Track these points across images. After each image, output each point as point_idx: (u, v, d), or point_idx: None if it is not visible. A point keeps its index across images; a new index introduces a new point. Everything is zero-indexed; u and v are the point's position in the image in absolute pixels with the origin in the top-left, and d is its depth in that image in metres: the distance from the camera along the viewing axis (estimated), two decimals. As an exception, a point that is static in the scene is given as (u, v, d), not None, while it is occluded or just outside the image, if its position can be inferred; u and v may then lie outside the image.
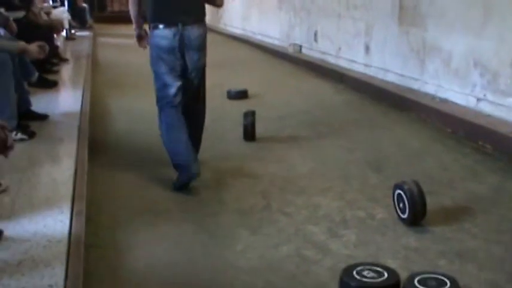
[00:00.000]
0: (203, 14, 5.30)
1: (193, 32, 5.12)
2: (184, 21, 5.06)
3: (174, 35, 5.06)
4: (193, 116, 5.46)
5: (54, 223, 3.93)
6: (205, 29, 5.30)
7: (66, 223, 3.94)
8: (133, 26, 5.44)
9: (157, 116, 5.35)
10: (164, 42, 5.09)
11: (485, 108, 6.73)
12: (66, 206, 4.24)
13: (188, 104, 5.35)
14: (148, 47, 5.35)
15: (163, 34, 5.08)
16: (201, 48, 5.26)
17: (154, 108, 5.43)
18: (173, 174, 5.29)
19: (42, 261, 3.42)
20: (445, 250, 3.92)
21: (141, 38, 5.47)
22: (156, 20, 5.11)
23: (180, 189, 5.11)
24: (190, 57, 5.19)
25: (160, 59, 5.15)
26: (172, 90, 5.19)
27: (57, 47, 11.87)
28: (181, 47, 5.10)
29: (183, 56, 5.15)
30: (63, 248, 3.60)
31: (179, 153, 5.17)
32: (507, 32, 6.38)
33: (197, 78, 5.37)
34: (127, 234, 4.30)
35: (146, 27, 5.42)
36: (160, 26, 5.09)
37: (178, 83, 5.20)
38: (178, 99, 5.22)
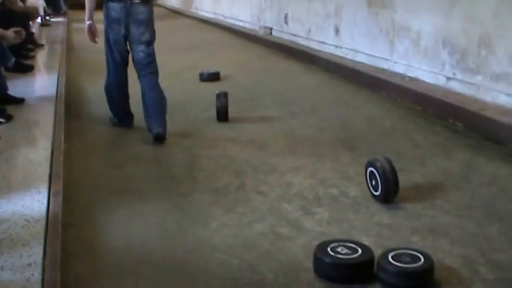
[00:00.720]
0: None
1: (138, 8, 5.81)
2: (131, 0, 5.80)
3: (122, 8, 5.78)
4: (154, 87, 6.01)
5: (32, 203, 3.96)
6: (150, 7, 5.95)
7: (43, 203, 3.96)
8: (86, 16, 5.99)
9: (106, 73, 6.19)
10: (113, 13, 5.83)
11: (455, 86, 6.70)
12: (43, 186, 4.26)
13: (147, 78, 6.00)
14: (98, 41, 6.09)
15: (113, 7, 5.82)
16: (145, 22, 5.90)
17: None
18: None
19: (20, 241, 3.44)
20: (418, 226, 3.90)
21: (92, 32, 6.02)
22: None
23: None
24: (136, 30, 5.86)
25: (109, 28, 5.90)
26: (118, 55, 5.99)
27: (32, 33, 11.84)
28: (127, 19, 5.81)
29: (127, 28, 5.84)
30: (41, 227, 3.62)
31: (118, 107, 6.27)
32: (475, 11, 6.36)
33: (145, 53, 5.95)
34: (103, 213, 4.25)
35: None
36: (111, 1, 5.83)
37: (125, 52, 6.01)
38: (123, 66, 6.08)
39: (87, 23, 5.98)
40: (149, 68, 5.98)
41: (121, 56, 6.02)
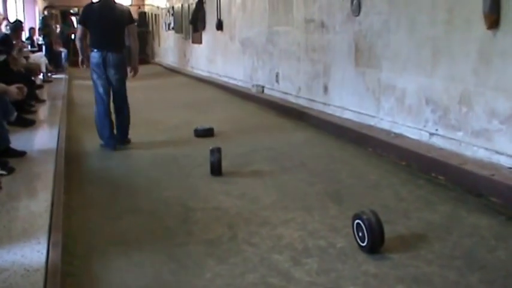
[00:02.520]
0: (120, 47, 8.05)
1: (112, 56, 7.90)
2: (107, 49, 7.87)
3: (100, 56, 7.89)
4: (122, 112, 8.18)
5: (31, 253, 3.92)
6: (121, 55, 8.02)
7: (43, 253, 3.93)
8: (79, 53, 8.12)
9: (95, 104, 8.17)
10: (94, 60, 7.94)
11: (438, 142, 6.79)
12: (43, 236, 4.22)
13: (118, 105, 8.16)
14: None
15: (95, 55, 7.92)
16: (117, 66, 7.96)
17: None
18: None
19: (20, 290, 3.39)
20: (403, 276, 3.91)
21: (83, 61, 8.09)
22: (92, 46, 7.97)
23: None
24: (110, 72, 7.93)
25: (93, 70, 7.97)
26: (101, 89, 7.95)
27: (41, 86, 11.89)
28: (104, 64, 7.89)
29: (105, 71, 7.89)
30: (40, 276, 3.58)
31: (104, 133, 8.04)
32: (455, 71, 6.47)
33: (118, 87, 8.05)
34: (101, 263, 4.24)
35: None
36: (94, 50, 7.95)
37: (106, 86, 7.95)
38: (106, 97, 8.00)
39: (80, 57, 8.08)
40: (122, 99, 8.12)
41: (104, 89, 7.93)
